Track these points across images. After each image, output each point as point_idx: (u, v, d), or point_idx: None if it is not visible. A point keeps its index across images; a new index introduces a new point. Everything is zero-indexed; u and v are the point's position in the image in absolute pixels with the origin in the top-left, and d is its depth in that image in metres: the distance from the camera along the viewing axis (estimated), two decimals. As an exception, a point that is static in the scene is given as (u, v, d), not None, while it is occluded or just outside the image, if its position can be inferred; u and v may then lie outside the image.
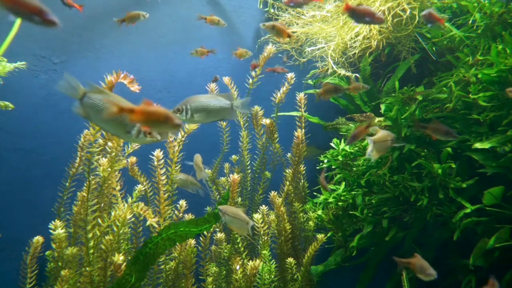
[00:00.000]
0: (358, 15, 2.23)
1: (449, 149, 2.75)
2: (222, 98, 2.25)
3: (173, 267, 2.94)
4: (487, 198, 2.54)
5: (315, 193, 3.52)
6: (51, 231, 2.63)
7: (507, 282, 2.54)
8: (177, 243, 2.58)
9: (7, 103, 3.05)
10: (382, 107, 3.21)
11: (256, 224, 3.01)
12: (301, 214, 3.35)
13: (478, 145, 2.59)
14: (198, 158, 3.10)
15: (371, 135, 2.57)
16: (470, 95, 2.72)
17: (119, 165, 2.59)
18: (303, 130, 3.33)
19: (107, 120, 1.74)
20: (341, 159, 3.26)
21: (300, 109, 3.38)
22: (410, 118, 3.01)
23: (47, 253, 2.96)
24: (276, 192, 3.16)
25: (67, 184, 3.08)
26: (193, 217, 3.01)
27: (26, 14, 1.49)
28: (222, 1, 4.28)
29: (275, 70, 3.67)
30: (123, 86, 2.40)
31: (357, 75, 3.59)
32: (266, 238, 3.00)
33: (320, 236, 3.06)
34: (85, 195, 2.54)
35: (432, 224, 2.96)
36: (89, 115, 1.77)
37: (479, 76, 2.69)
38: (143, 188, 2.71)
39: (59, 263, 2.72)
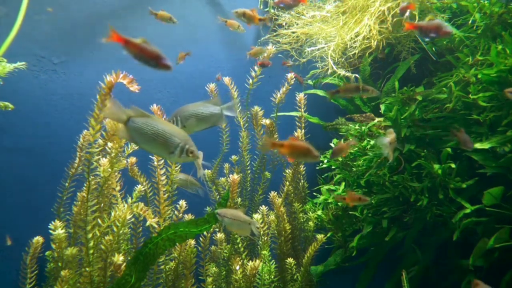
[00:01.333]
0: (426, 31, 2.27)
1: (449, 149, 2.75)
2: (210, 105, 2.34)
3: (173, 268, 2.94)
4: (487, 198, 2.54)
5: (315, 194, 3.52)
6: (51, 231, 2.63)
7: (507, 282, 2.54)
8: (177, 244, 2.58)
9: (7, 103, 3.05)
10: (382, 107, 3.21)
11: (256, 224, 3.01)
12: (301, 215, 3.35)
13: (478, 146, 2.59)
14: (199, 155, 3.12)
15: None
16: (470, 96, 2.72)
17: (120, 166, 2.59)
18: (303, 130, 3.34)
19: (152, 143, 1.85)
20: (340, 159, 3.26)
21: (300, 109, 3.38)
22: (410, 118, 3.01)
23: (47, 253, 2.96)
24: (276, 192, 3.16)
25: (67, 184, 3.08)
26: (193, 217, 3.01)
27: (147, 59, 1.89)
28: (222, 1, 4.28)
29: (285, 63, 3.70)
30: (122, 86, 2.40)
31: (357, 75, 3.59)
32: (266, 238, 3.00)
33: (320, 236, 3.06)
34: (85, 195, 2.54)
35: (432, 224, 2.95)
36: (133, 138, 1.89)
37: (479, 76, 2.69)
38: (143, 189, 2.71)
39: (59, 264, 2.72)
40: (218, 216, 2.46)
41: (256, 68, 3.46)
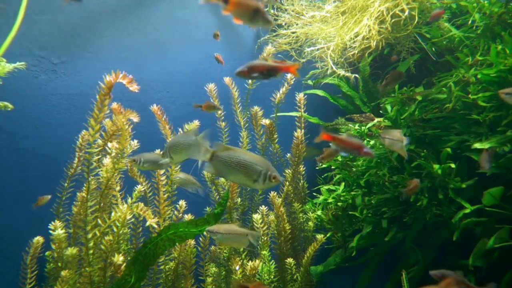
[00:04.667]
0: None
1: (448, 149, 2.75)
2: (189, 135, 2.41)
3: (172, 268, 2.95)
4: (486, 198, 2.54)
5: (314, 194, 3.52)
6: (50, 231, 2.63)
7: (507, 282, 2.54)
8: (177, 244, 2.58)
9: (6, 103, 3.05)
10: (388, 107, 3.20)
11: (256, 225, 3.02)
12: (301, 215, 3.35)
13: (477, 146, 2.59)
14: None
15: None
16: (470, 96, 2.72)
17: (122, 166, 2.59)
18: (303, 130, 3.33)
19: (237, 174, 1.95)
20: (340, 159, 3.26)
21: (300, 110, 3.38)
22: (410, 118, 3.01)
23: (47, 253, 2.96)
24: (275, 192, 3.16)
25: (66, 184, 3.09)
26: (193, 217, 3.01)
27: (351, 150, 2.19)
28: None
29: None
30: (122, 87, 2.40)
31: (356, 75, 3.60)
32: (265, 238, 3.00)
33: (319, 236, 3.06)
34: (85, 195, 2.54)
35: (431, 224, 2.95)
36: (219, 172, 2.00)
37: (479, 76, 2.69)
38: (143, 189, 2.71)
39: (59, 264, 2.72)
40: (211, 233, 2.42)
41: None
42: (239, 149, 2.04)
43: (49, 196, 3.11)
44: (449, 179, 2.73)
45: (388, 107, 3.19)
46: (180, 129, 3.05)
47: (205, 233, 3.03)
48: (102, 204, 2.63)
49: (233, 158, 1.94)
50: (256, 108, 3.51)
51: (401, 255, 3.27)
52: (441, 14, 3.16)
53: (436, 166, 2.75)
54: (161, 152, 2.42)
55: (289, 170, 3.35)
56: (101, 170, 2.55)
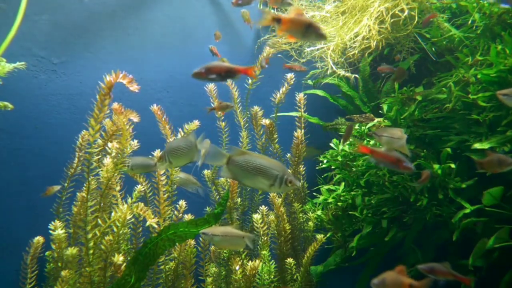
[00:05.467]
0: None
1: (448, 149, 2.75)
2: (189, 139, 2.43)
3: (172, 268, 2.95)
4: (486, 198, 2.54)
5: (314, 194, 3.52)
6: (50, 231, 2.63)
7: (507, 282, 2.54)
8: (177, 244, 2.58)
9: (6, 103, 3.05)
10: (385, 107, 3.21)
11: (256, 225, 3.02)
12: (301, 215, 3.35)
13: (477, 146, 2.59)
14: (206, 144, 3.13)
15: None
16: (470, 96, 2.72)
17: (123, 166, 2.59)
18: (303, 130, 3.34)
19: (253, 178, 1.97)
20: (340, 159, 3.26)
21: (300, 110, 3.38)
22: (410, 118, 3.01)
23: (47, 253, 2.96)
24: (275, 192, 3.16)
25: (66, 184, 3.09)
26: (193, 217, 3.01)
27: (391, 164, 2.21)
28: (222, 1, 4.28)
29: (292, 68, 3.68)
30: (122, 87, 2.40)
31: (356, 75, 3.60)
32: (265, 238, 3.01)
33: (319, 236, 3.06)
34: (85, 195, 2.54)
35: (431, 224, 2.95)
36: (235, 176, 2.01)
37: (479, 76, 2.69)
38: (143, 189, 2.71)
39: (59, 264, 2.72)
40: (205, 236, 2.40)
41: (256, 68, 3.46)
42: (255, 153, 2.06)
43: (59, 187, 3.10)
44: (449, 179, 2.73)
45: (385, 107, 3.19)
46: (180, 129, 3.05)
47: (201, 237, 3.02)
48: (102, 204, 2.63)
49: (249, 162, 1.96)
50: (256, 108, 3.51)
51: (401, 255, 3.27)
52: (434, 17, 3.17)
53: (436, 166, 2.75)
54: (159, 156, 2.42)
55: (289, 170, 3.35)
56: (101, 170, 2.55)
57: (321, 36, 1.87)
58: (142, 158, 2.75)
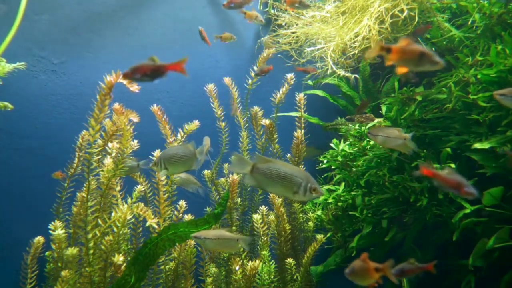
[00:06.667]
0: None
1: (448, 149, 2.75)
2: (187, 148, 2.44)
3: (172, 268, 2.94)
4: (486, 198, 2.54)
5: (314, 194, 3.51)
6: (50, 231, 2.63)
7: (507, 282, 2.54)
8: (177, 244, 2.58)
9: (6, 103, 3.05)
10: (383, 108, 3.21)
11: (256, 225, 3.02)
12: (301, 215, 3.35)
13: (477, 146, 2.59)
14: (207, 141, 3.15)
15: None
16: (470, 96, 2.72)
17: (124, 167, 2.59)
18: (303, 130, 3.34)
19: (277, 186, 1.98)
20: (340, 159, 3.26)
21: (300, 110, 3.38)
22: (410, 118, 3.01)
23: (47, 253, 2.96)
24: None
25: (66, 184, 3.09)
26: (193, 217, 3.01)
27: (452, 188, 2.06)
28: (222, 1, 4.28)
29: (305, 70, 3.69)
30: (122, 87, 2.40)
31: (356, 75, 3.60)
32: (265, 238, 3.01)
33: (319, 236, 3.06)
34: (85, 195, 2.54)
35: (431, 224, 2.95)
36: (259, 183, 2.02)
37: (479, 76, 2.69)
38: (143, 189, 2.72)
39: (59, 264, 2.72)
40: (198, 240, 2.39)
41: (255, 68, 3.47)
42: (279, 161, 2.07)
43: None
44: (449, 179, 2.73)
45: (384, 108, 3.19)
46: (180, 129, 3.06)
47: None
48: (102, 204, 2.63)
49: (273, 170, 1.97)
50: (256, 108, 3.51)
51: (401, 255, 3.27)
52: (427, 28, 3.18)
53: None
54: (153, 161, 2.44)
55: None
56: (102, 170, 2.55)
57: (436, 64, 1.77)
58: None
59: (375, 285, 2.11)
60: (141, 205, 2.51)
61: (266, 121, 3.38)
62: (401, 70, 1.80)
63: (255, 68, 3.46)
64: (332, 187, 3.37)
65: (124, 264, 2.46)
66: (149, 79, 1.89)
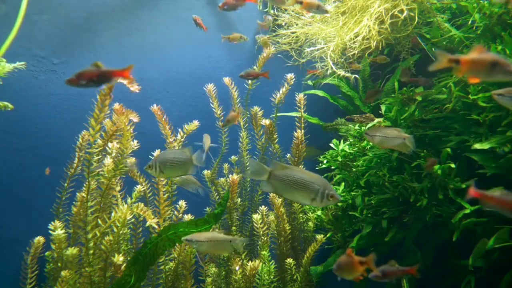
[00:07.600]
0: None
1: (448, 149, 2.75)
2: (184, 152, 2.45)
3: (172, 268, 2.94)
4: (486, 198, 2.54)
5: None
6: (50, 231, 2.63)
7: (507, 282, 2.54)
8: (177, 244, 2.58)
9: (6, 103, 3.05)
10: (383, 107, 3.21)
11: (256, 225, 3.02)
12: (301, 215, 3.35)
13: (477, 146, 2.59)
14: (207, 138, 3.15)
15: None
16: (470, 96, 2.72)
17: (124, 167, 2.59)
18: (303, 130, 3.33)
19: (294, 192, 1.97)
20: (340, 159, 3.26)
21: (300, 110, 3.38)
22: (410, 118, 3.01)
23: (47, 253, 2.96)
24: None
25: (66, 185, 3.09)
26: (193, 217, 3.01)
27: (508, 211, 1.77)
28: (222, 1, 4.28)
29: (315, 73, 3.70)
30: (122, 87, 2.40)
31: (356, 76, 3.60)
32: (265, 238, 3.00)
33: (319, 236, 3.06)
34: (85, 195, 2.54)
35: (431, 224, 2.95)
36: (276, 190, 2.03)
37: (479, 76, 2.69)
38: (143, 189, 2.72)
39: (59, 264, 2.72)
40: (189, 243, 2.39)
41: (255, 68, 3.47)
42: (296, 168, 2.08)
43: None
44: (449, 179, 2.73)
45: (383, 108, 3.19)
46: (180, 130, 3.06)
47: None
48: (102, 204, 2.63)
49: (290, 176, 1.96)
50: (256, 108, 3.51)
51: (401, 255, 3.27)
52: (416, 41, 3.20)
53: (436, 166, 2.75)
54: (148, 164, 2.43)
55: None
56: (102, 171, 2.55)
57: (509, 74, 1.65)
58: None
59: (361, 278, 2.21)
60: (141, 205, 2.51)
61: (266, 121, 3.38)
62: (473, 80, 1.73)
63: (255, 68, 3.46)
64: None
65: (124, 264, 2.46)
66: (95, 85, 1.86)
